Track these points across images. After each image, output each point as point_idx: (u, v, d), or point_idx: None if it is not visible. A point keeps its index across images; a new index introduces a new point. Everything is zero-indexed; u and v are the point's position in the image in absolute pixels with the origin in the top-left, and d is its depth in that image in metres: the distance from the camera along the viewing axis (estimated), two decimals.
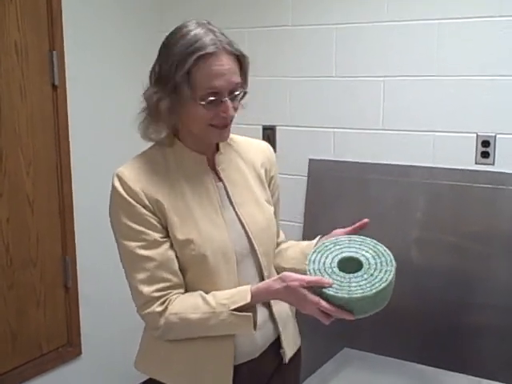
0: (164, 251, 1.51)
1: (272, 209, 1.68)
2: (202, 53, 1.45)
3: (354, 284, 1.41)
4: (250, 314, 1.46)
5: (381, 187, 2.72)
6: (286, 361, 1.69)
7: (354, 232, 1.63)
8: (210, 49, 1.46)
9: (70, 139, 2.78)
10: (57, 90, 2.71)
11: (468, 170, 2.55)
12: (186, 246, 1.51)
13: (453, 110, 2.57)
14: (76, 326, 2.90)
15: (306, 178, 2.91)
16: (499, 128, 2.49)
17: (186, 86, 1.46)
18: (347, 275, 1.44)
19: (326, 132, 2.87)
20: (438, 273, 2.52)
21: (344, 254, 1.51)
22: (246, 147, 1.71)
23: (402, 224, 2.64)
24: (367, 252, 1.51)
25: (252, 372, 1.61)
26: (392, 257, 1.51)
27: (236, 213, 1.59)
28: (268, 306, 1.64)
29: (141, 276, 1.49)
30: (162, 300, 1.50)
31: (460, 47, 2.53)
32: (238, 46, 1.53)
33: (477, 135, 2.54)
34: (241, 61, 1.54)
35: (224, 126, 1.52)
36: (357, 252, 1.52)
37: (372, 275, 1.44)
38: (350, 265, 1.48)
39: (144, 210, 1.49)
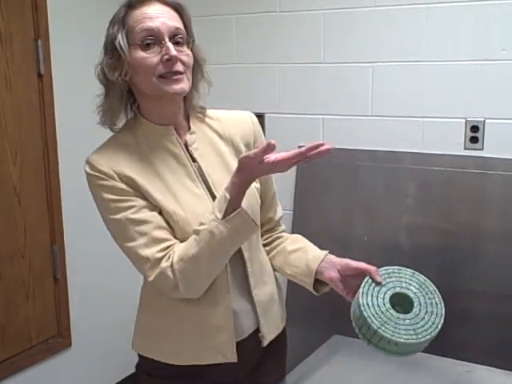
0: (156, 214, 1.49)
1: (257, 185, 1.62)
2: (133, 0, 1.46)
3: (418, 327, 1.44)
4: (240, 208, 1.42)
5: (370, 173, 2.71)
6: (265, 344, 1.65)
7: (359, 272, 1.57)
8: None
9: (57, 128, 2.76)
10: (42, 79, 2.68)
11: (457, 155, 2.55)
12: (168, 216, 1.49)
13: (441, 95, 2.57)
14: (65, 317, 2.89)
15: (295, 166, 2.89)
16: (488, 113, 2.49)
17: (120, 35, 1.44)
18: (405, 316, 1.46)
19: (315, 119, 2.86)
20: (427, 258, 2.52)
21: (394, 291, 1.50)
22: (224, 122, 1.64)
23: (392, 210, 2.64)
24: (411, 285, 1.51)
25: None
26: (431, 282, 1.54)
27: (212, 193, 1.54)
28: (248, 294, 1.61)
29: (140, 241, 1.46)
30: (166, 257, 1.47)
31: (448, 32, 2.51)
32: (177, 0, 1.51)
33: (466, 120, 2.53)
34: (179, 11, 1.50)
35: (174, 74, 1.44)
36: (402, 287, 1.51)
37: (427, 312, 1.47)
38: (397, 300, 1.49)
39: (121, 183, 1.47)
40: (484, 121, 2.50)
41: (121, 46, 1.44)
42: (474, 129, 2.51)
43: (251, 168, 1.38)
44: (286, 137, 2.91)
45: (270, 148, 1.32)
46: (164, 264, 1.46)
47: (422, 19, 2.55)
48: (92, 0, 2.92)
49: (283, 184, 2.88)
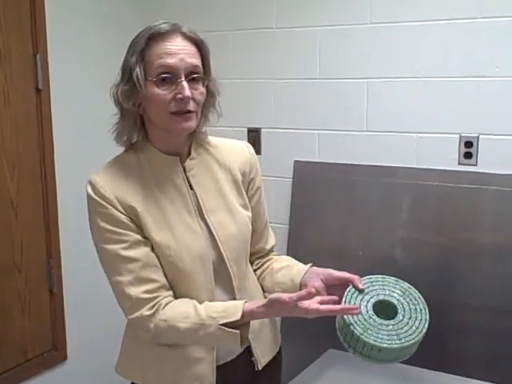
0: (147, 251, 1.49)
1: (249, 214, 1.65)
2: (153, 31, 1.45)
3: (402, 332, 1.44)
4: (237, 331, 1.44)
5: (365, 188, 2.72)
6: (259, 368, 1.67)
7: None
8: (163, 29, 1.46)
9: (55, 143, 2.77)
10: (41, 94, 2.69)
11: (451, 170, 2.56)
12: (163, 250, 1.50)
13: (436, 111, 2.59)
14: (61, 330, 2.88)
15: (291, 180, 2.91)
16: (482, 129, 2.51)
17: (138, 68, 1.44)
18: (388, 322, 1.46)
19: (311, 134, 2.88)
20: (422, 273, 2.52)
21: (377, 298, 1.51)
22: (222, 150, 1.67)
23: (387, 224, 2.65)
24: (394, 292, 1.52)
25: (226, 376, 1.60)
26: (415, 289, 1.54)
27: (205, 220, 1.56)
28: None
29: (126, 278, 1.47)
30: (151, 304, 1.48)
31: (442, 49, 2.54)
32: (199, 35, 1.51)
33: (460, 136, 2.55)
34: (200, 47, 1.51)
35: (185, 113, 1.47)
36: (385, 294, 1.52)
37: (411, 318, 1.47)
38: (382, 308, 1.50)
39: (120, 214, 1.48)
40: (478, 136, 2.52)
41: (138, 79, 1.45)
42: (468, 144, 2.53)
43: (281, 309, 1.42)
44: (281, 151, 2.93)
45: (308, 296, 1.36)
46: (146, 312, 1.48)
47: (417, 36, 2.58)
48: (91, 15, 2.94)
49: (279, 198, 2.90)
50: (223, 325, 1.44)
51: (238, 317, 1.44)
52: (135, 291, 1.47)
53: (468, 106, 2.52)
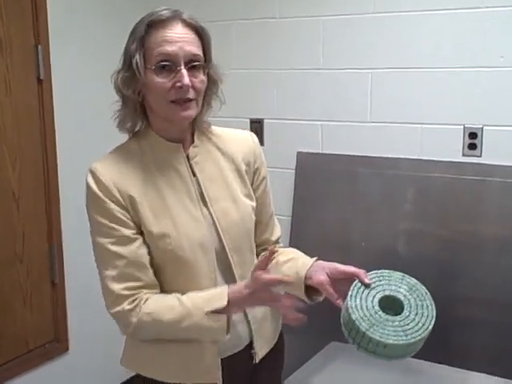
0: (135, 249, 1.48)
1: (253, 204, 1.63)
2: (153, 18, 1.44)
3: (408, 328, 1.41)
4: (224, 315, 1.44)
5: (369, 180, 2.71)
6: (257, 361, 1.65)
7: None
8: (164, 16, 1.44)
9: (56, 134, 2.76)
10: (42, 84, 2.68)
11: (455, 161, 2.55)
12: (161, 240, 1.49)
13: (440, 102, 2.57)
14: (63, 322, 2.88)
15: (294, 171, 2.90)
16: (486, 120, 2.49)
17: (138, 55, 1.43)
18: (394, 318, 1.43)
19: (314, 125, 2.86)
20: (425, 265, 2.52)
21: (383, 293, 1.48)
22: (226, 139, 1.65)
23: (390, 216, 2.64)
24: (401, 287, 1.49)
25: (228, 369, 1.59)
26: (422, 285, 1.51)
27: (208, 208, 1.55)
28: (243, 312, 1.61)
29: (110, 273, 1.47)
30: (131, 298, 1.47)
31: (446, 39, 2.52)
32: (200, 22, 1.49)
33: (464, 127, 2.54)
34: (201, 34, 1.49)
35: (184, 102, 1.45)
36: (392, 290, 1.49)
37: (417, 314, 1.44)
38: (388, 303, 1.47)
39: (115, 206, 1.46)
40: (482, 128, 2.50)
41: (137, 67, 1.44)
42: (473, 135, 2.52)
43: (256, 286, 1.42)
44: (285, 142, 2.92)
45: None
46: (127, 306, 1.47)
47: (421, 26, 2.56)
48: (92, 6, 2.93)
49: (282, 190, 2.89)
50: (208, 314, 1.44)
51: (224, 302, 1.44)
52: (117, 287, 1.47)
53: (472, 96, 2.50)
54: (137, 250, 1.48)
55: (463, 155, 2.55)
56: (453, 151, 2.56)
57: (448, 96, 2.55)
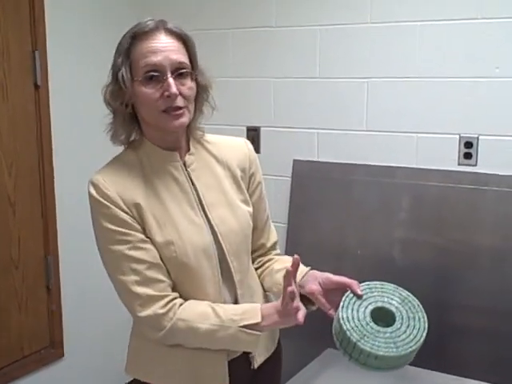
0: (152, 251, 1.49)
1: (249, 209, 1.64)
2: (137, 30, 1.46)
3: (399, 340, 1.41)
4: (259, 333, 1.46)
5: (364, 188, 2.72)
6: (255, 366, 1.66)
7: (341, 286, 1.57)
8: (148, 27, 1.46)
9: (53, 140, 2.76)
10: (39, 90, 2.69)
11: (451, 170, 2.56)
12: (166, 248, 1.49)
13: (436, 111, 2.59)
14: (58, 327, 2.87)
15: (290, 179, 2.91)
16: (482, 129, 2.51)
17: (124, 68, 1.45)
18: (386, 329, 1.44)
19: (310, 133, 2.87)
20: (421, 273, 2.53)
21: (375, 305, 1.49)
22: (220, 147, 1.66)
23: (386, 224, 2.65)
24: (393, 299, 1.49)
25: (229, 374, 1.58)
26: (414, 297, 1.51)
27: (206, 215, 1.56)
28: None
29: (133, 278, 1.46)
30: (163, 302, 1.47)
31: (442, 49, 2.54)
32: (184, 30, 1.51)
33: (459, 136, 2.55)
34: (185, 41, 1.50)
35: (174, 110, 1.46)
36: (384, 301, 1.49)
37: (409, 326, 1.44)
38: (380, 315, 1.47)
39: (123, 213, 1.47)
40: (478, 137, 2.52)
41: (123, 80, 1.45)
42: (468, 145, 2.53)
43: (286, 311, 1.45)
44: (281, 150, 2.93)
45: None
46: (160, 310, 1.47)
47: (417, 36, 2.58)
48: (90, 13, 2.94)
49: (278, 197, 2.89)
50: (243, 327, 1.46)
51: (258, 319, 1.46)
52: (144, 290, 1.46)
53: (468, 106, 2.52)
54: (154, 252, 1.49)
55: (459, 164, 2.56)
56: (448, 160, 2.57)
57: (444, 105, 2.56)
